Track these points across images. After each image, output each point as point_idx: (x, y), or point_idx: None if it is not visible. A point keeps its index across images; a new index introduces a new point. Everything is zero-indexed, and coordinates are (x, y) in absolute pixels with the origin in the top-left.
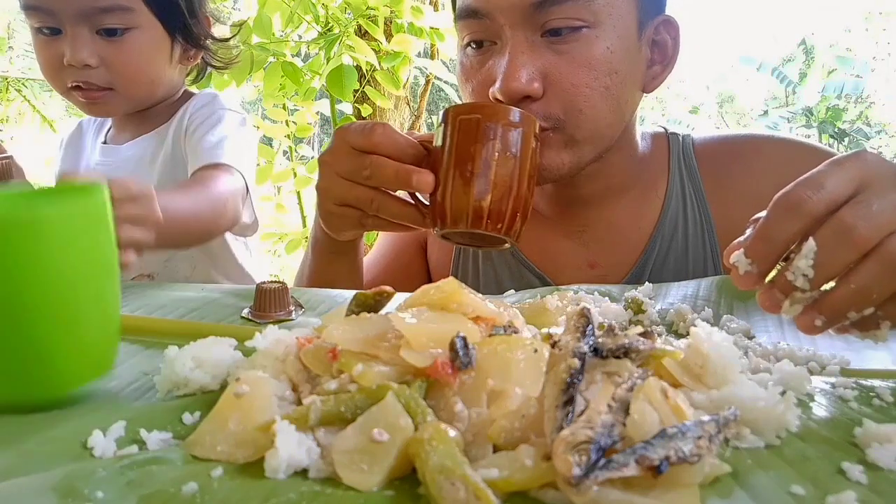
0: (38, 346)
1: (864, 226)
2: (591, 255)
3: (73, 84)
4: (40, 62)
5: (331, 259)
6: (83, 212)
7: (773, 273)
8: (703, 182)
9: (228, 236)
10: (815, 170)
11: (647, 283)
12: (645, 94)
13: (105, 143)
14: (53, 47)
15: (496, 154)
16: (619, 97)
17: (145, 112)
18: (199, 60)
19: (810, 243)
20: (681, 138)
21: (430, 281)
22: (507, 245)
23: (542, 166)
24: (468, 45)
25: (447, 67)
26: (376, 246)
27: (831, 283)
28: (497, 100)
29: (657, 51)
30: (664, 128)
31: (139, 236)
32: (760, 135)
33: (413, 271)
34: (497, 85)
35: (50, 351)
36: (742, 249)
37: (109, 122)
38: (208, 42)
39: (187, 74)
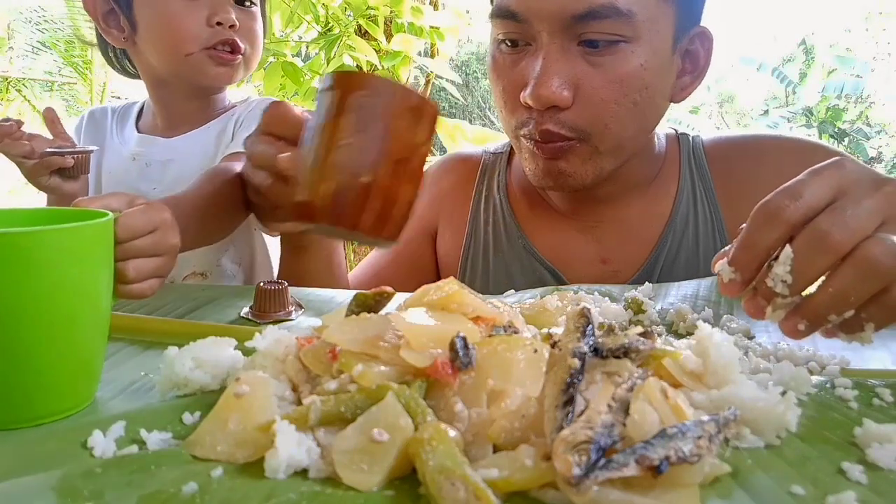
0: (15, 372)
1: (839, 231)
2: (604, 251)
3: (214, 44)
4: (175, 25)
5: (293, 253)
6: (76, 238)
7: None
8: (714, 182)
9: (268, 239)
10: (794, 179)
11: (647, 283)
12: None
13: (139, 132)
14: (192, 9)
15: (342, 133)
16: (647, 110)
17: (199, 102)
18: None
19: (787, 250)
20: (690, 139)
21: (438, 275)
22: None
23: (566, 174)
24: (502, 41)
25: (448, 66)
26: None
27: (813, 288)
28: (527, 105)
29: (689, 61)
30: (674, 129)
31: (156, 266)
32: (769, 135)
33: (422, 263)
34: (528, 90)
35: (33, 376)
36: (725, 258)
37: (136, 111)
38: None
39: None
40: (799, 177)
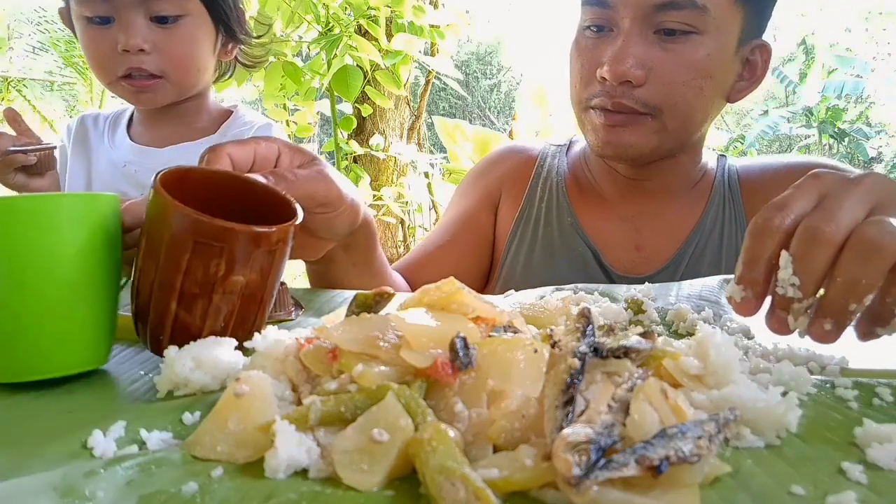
0: (23, 324)
1: (828, 224)
2: (640, 239)
3: (125, 73)
4: (90, 53)
5: (319, 265)
6: (86, 209)
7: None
8: (745, 208)
9: None
10: (780, 195)
11: (646, 283)
12: (728, 104)
13: (131, 140)
14: (105, 36)
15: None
16: (709, 99)
17: (176, 109)
18: (233, 56)
19: (784, 254)
20: (726, 160)
21: (493, 246)
22: None
23: (628, 144)
24: (588, 27)
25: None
26: (451, 207)
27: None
28: (602, 79)
29: (747, 69)
30: (713, 149)
31: None
32: (799, 162)
33: (482, 234)
34: (605, 67)
35: (34, 330)
36: (733, 281)
37: (127, 118)
38: (243, 37)
39: (214, 72)
40: (784, 192)
